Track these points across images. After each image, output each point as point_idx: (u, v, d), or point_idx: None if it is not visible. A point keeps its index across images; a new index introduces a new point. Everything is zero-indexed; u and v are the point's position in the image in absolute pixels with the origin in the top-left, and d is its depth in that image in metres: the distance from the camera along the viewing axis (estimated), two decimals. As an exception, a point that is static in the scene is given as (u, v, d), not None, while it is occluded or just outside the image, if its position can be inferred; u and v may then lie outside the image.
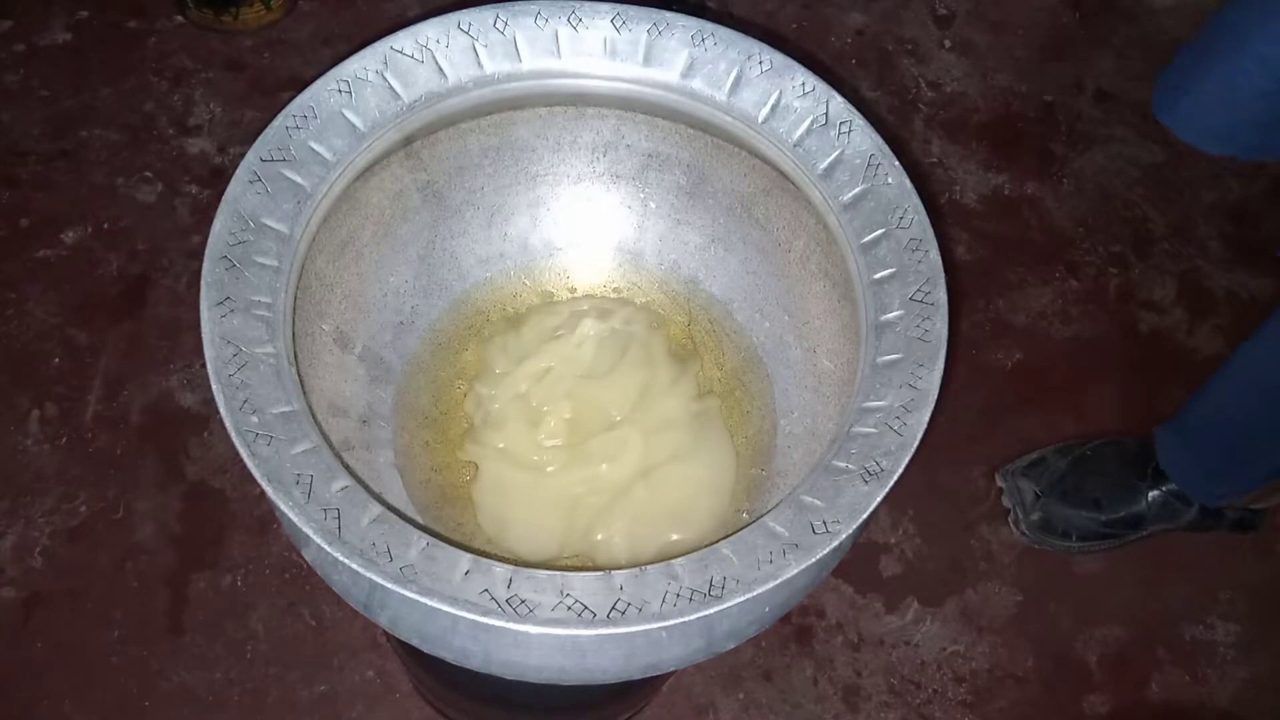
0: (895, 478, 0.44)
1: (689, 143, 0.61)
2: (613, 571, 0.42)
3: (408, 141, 0.56)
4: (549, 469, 0.59)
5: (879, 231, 0.52)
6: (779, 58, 0.56)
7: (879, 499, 0.44)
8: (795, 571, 0.42)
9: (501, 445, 0.60)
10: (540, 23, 0.56)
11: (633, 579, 0.41)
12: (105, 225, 1.10)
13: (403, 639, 0.46)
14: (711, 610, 0.40)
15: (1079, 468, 1.02)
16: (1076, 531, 1.00)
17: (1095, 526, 1.01)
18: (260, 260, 0.48)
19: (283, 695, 0.88)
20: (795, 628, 0.95)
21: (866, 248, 0.51)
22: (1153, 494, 1.00)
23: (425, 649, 0.46)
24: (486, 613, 0.40)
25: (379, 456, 0.56)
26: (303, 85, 0.52)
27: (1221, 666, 0.97)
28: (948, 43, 1.35)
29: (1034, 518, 1.01)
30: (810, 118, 0.55)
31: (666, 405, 0.61)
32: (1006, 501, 1.03)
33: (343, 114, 0.52)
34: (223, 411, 0.43)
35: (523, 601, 0.40)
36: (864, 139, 0.54)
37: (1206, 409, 0.94)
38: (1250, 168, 1.27)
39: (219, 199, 0.48)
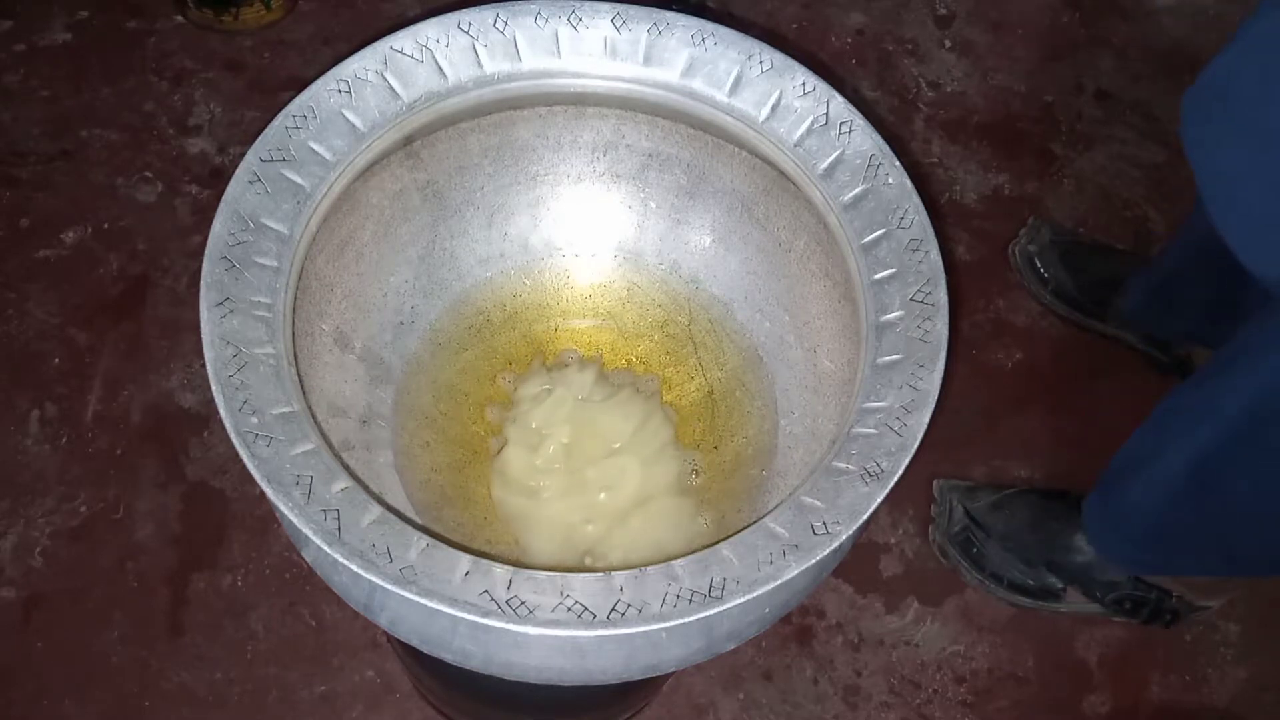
0: (895, 479, 0.44)
1: (689, 143, 0.61)
2: (613, 573, 0.42)
3: (408, 141, 0.56)
4: (546, 495, 0.58)
5: (879, 232, 0.52)
6: (779, 58, 0.56)
7: (879, 500, 0.44)
8: (795, 572, 0.42)
9: (499, 468, 0.59)
10: (540, 22, 0.56)
11: (633, 580, 0.41)
12: (105, 225, 1.10)
13: (403, 640, 0.46)
14: (711, 611, 0.40)
15: None
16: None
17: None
18: (260, 260, 0.48)
19: (283, 695, 0.88)
20: (795, 628, 0.95)
21: (867, 248, 0.51)
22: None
23: (425, 650, 0.46)
24: (486, 614, 0.40)
25: (379, 457, 0.56)
26: (303, 85, 0.52)
27: (1221, 666, 0.97)
28: (948, 43, 1.35)
29: None
30: (811, 118, 0.55)
31: (666, 434, 0.60)
32: None
33: (343, 114, 0.52)
34: (222, 412, 0.43)
35: (523, 603, 0.40)
36: (864, 139, 0.54)
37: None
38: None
39: (219, 199, 0.48)
